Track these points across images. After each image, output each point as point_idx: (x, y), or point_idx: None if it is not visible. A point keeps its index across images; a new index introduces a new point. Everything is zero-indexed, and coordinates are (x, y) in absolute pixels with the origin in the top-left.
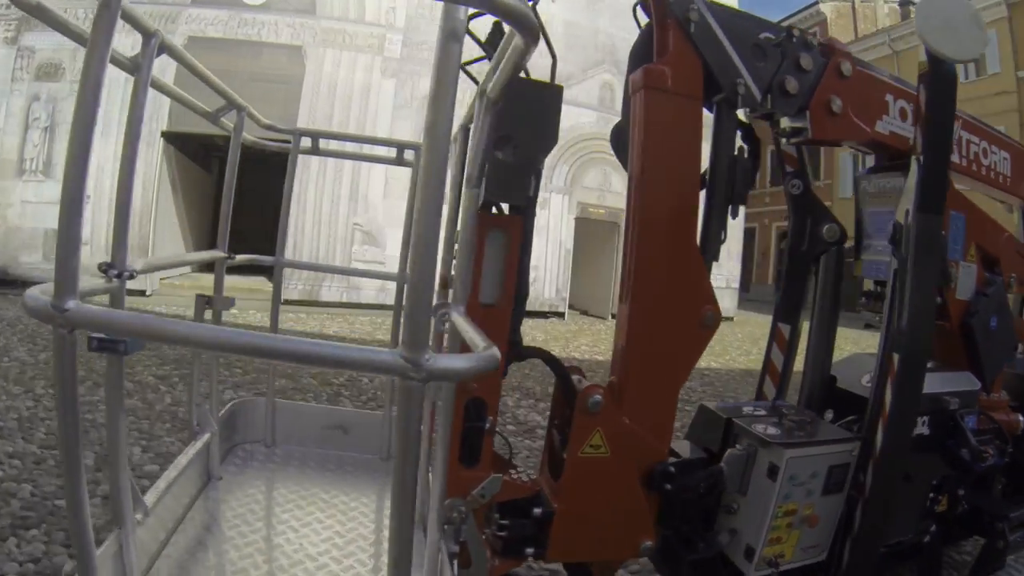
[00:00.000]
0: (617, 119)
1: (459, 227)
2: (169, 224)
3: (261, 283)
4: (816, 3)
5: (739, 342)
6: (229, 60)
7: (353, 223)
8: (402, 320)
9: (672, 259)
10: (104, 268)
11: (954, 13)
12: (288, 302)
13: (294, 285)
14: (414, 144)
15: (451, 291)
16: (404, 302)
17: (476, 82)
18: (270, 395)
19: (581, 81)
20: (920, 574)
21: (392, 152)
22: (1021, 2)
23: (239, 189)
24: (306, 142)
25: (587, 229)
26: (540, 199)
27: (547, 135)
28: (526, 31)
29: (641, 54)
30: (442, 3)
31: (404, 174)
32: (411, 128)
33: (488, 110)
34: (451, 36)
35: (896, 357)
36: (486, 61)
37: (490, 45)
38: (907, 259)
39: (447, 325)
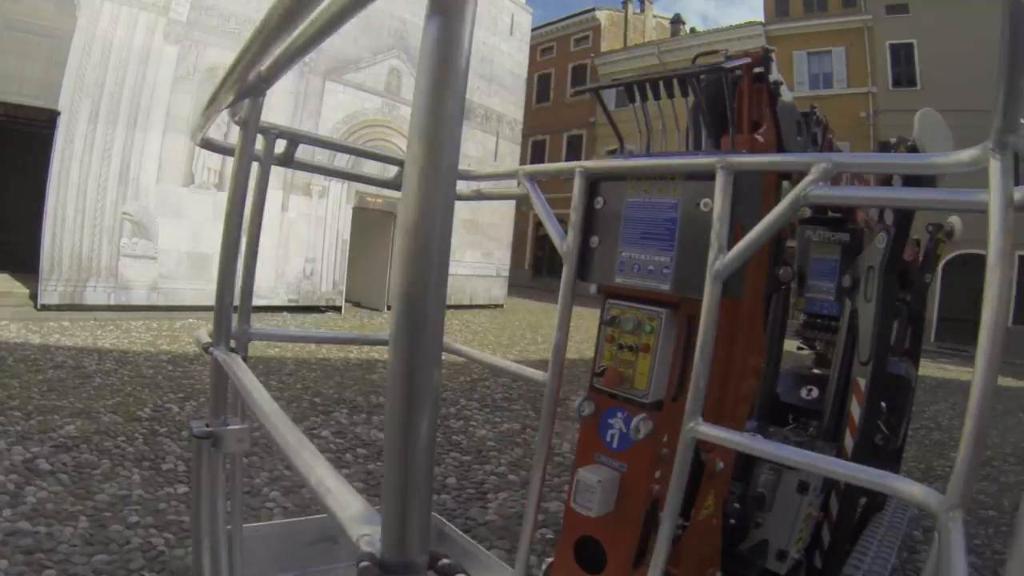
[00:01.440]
0: (402, 105)
1: (701, 327)
2: None
3: (8, 283)
4: (592, 10)
5: (521, 331)
6: None
7: (122, 212)
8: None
9: (751, 312)
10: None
11: (936, 128)
12: (47, 308)
13: (52, 287)
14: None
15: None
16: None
17: (603, 106)
18: (237, 523)
19: (370, 65)
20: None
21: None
22: (780, 36)
23: None
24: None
25: (364, 219)
26: (320, 188)
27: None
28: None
29: (719, 108)
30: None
31: (181, 157)
32: (192, 103)
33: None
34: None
35: (862, 382)
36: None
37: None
38: (869, 304)
39: (640, 430)
